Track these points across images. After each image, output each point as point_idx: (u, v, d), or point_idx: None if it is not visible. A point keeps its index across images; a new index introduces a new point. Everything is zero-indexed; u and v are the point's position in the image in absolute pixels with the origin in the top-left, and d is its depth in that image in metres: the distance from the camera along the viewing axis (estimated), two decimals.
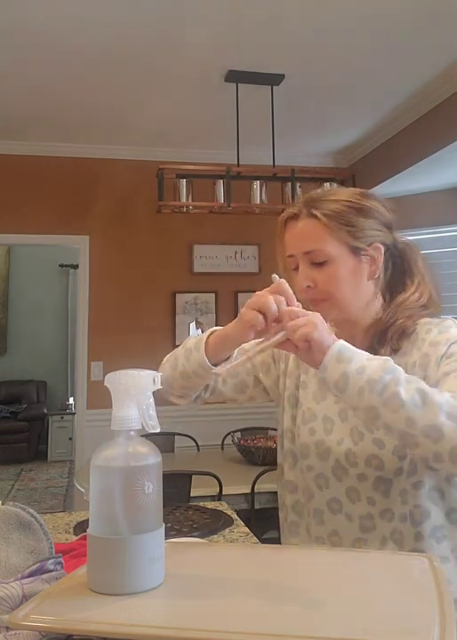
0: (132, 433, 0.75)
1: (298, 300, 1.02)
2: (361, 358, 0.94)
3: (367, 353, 0.97)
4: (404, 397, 0.89)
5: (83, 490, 2.73)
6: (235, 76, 3.28)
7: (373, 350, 1.06)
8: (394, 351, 1.08)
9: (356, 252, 1.09)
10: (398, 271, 1.16)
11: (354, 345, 1.04)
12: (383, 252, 1.11)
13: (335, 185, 3.31)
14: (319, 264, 1.08)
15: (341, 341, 0.96)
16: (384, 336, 1.09)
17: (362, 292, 1.11)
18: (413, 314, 1.10)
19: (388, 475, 1.05)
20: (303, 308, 1.01)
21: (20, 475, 6.43)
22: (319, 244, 1.08)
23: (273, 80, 3.33)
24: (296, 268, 1.12)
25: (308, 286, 1.09)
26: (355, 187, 3.36)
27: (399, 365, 0.99)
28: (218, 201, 3.22)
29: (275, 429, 3.50)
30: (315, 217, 1.08)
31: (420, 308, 1.11)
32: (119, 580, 0.71)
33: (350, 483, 1.08)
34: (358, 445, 1.08)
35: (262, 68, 3.22)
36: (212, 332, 1.12)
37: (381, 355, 1.03)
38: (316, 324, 0.94)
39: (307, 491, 1.14)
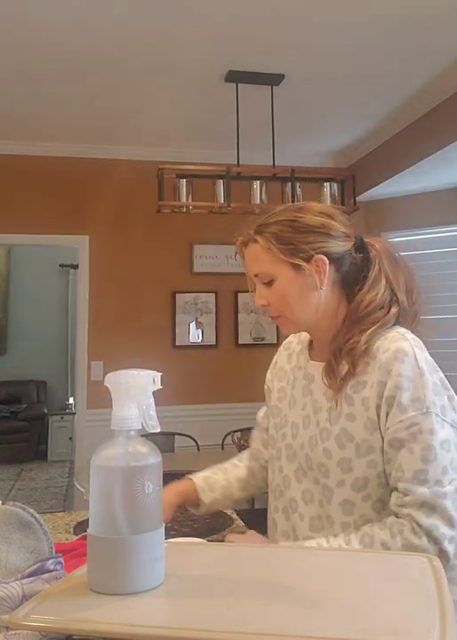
0: (132, 433, 0.75)
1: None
2: None
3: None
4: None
5: (83, 490, 2.73)
6: (235, 76, 3.28)
7: (332, 367, 1.12)
8: (350, 374, 1.09)
9: (296, 268, 1.13)
10: (358, 274, 1.16)
11: (323, 354, 1.16)
12: (327, 261, 1.12)
13: (335, 185, 3.31)
14: (268, 284, 1.15)
15: None
16: (340, 353, 1.11)
17: (312, 303, 1.14)
18: (365, 326, 1.10)
19: (331, 483, 1.10)
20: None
21: (20, 474, 6.43)
22: (262, 266, 1.15)
23: (273, 80, 3.33)
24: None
25: (263, 305, 1.17)
26: (355, 187, 3.40)
27: (359, 383, 1.08)
28: (218, 201, 3.22)
29: None
30: (256, 241, 1.16)
31: (376, 310, 1.11)
32: (119, 580, 0.71)
33: (306, 485, 1.15)
34: (314, 452, 1.13)
35: (262, 68, 3.22)
36: None
37: (341, 373, 1.10)
38: None
39: (277, 489, 1.23)
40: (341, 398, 1.10)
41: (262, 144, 3.47)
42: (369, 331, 1.09)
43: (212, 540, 1.31)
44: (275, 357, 1.38)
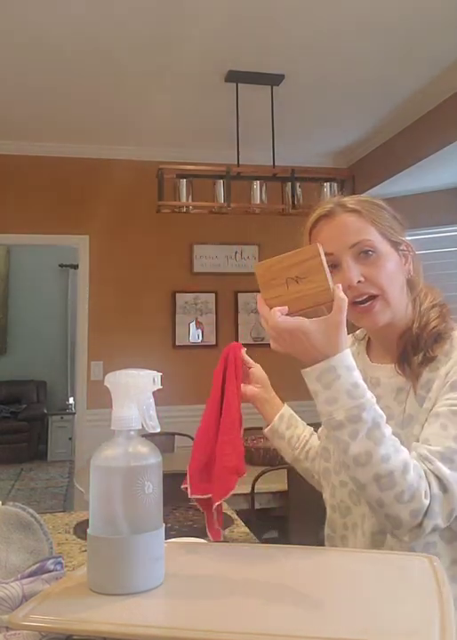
0: (132, 433, 0.75)
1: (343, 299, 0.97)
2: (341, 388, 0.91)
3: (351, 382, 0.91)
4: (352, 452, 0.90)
5: (83, 490, 2.73)
6: (235, 76, 3.28)
7: (407, 357, 1.04)
8: (428, 360, 1.03)
9: (396, 246, 1.07)
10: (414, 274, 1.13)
11: (386, 355, 1.09)
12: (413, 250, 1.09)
13: (335, 185, 3.31)
14: (367, 257, 1.03)
15: (338, 357, 0.91)
16: (418, 342, 1.04)
17: (404, 291, 1.08)
18: (444, 314, 1.07)
19: None
20: (349, 309, 0.95)
21: (20, 475, 6.43)
22: (366, 234, 1.04)
23: (273, 80, 3.33)
24: (331, 269, 1.01)
25: (359, 281, 1.02)
26: (354, 187, 3.40)
27: (429, 381, 1.01)
28: (218, 201, 3.22)
29: None
30: (355, 211, 1.06)
31: (441, 308, 1.09)
32: (119, 580, 0.70)
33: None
34: None
35: (262, 68, 3.22)
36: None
37: (416, 362, 1.02)
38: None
39: (342, 505, 1.12)
40: (416, 389, 1.03)
41: (262, 144, 3.47)
42: (446, 316, 1.06)
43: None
44: None
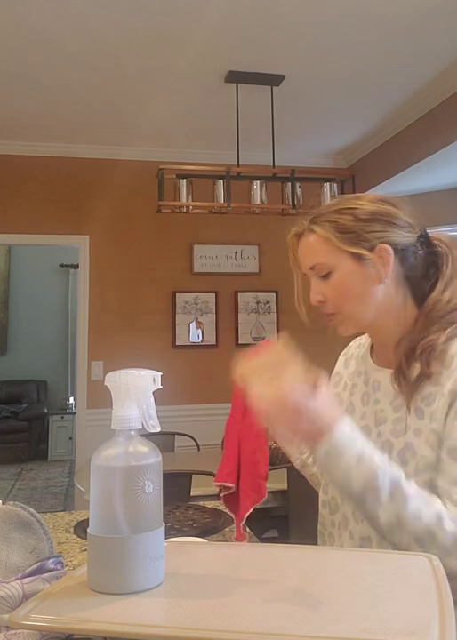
0: (132, 432, 0.75)
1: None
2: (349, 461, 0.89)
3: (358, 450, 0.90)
4: (382, 521, 0.89)
5: (83, 489, 2.73)
6: (235, 77, 3.28)
7: (403, 370, 1.00)
8: (425, 375, 0.98)
9: (358, 258, 1.03)
10: (427, 270, 1.07)
11: (388, 359, 1.06)
12: (392, 252, 1.02)
13: (335, 185, 3.31)
14: (325, 277, 1.05)
15: (336, 436, 0.89)
16: (413, 353, 1.00)
17: (374, 298, 1.04)
18: (445, 325, 0.99)
19: None
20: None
21: (20, 474, 6.43)
22: (319, 257, 1.05)
23: (273, 80, 3.33)
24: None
25: (320, 301, 1.07)
26: (354, 187, 3.40)
27: (431, 395, 0.96)
28: (218, 201, 3.22)
29: None
30: (312, 231, 1.07)
31: (454, 310, 1.01)
32: (119, 580, 0.71)
33: None
34: None
35: (262, 69, 3.22)
36: None
37: (412, 376, 0.98)
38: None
39: (332, 502, 1.12)
40: (412, 406, 0.99)
41: (262, 144, 3.47)
42: (448, 329, 0.98)
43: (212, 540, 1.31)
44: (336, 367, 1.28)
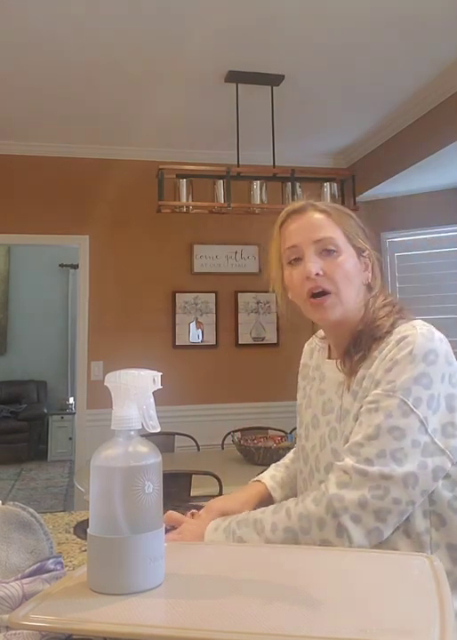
0: (132, 433, 0.75)
1: (300, 293, 1.10)
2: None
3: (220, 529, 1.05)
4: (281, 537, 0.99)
5: (83, 490, 2.73)
6: (235, 77, 3.28)
7: (348, 357, 1.08)
8: (364, 358, 1.06)
9: (358, 251, 1.12)
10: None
11: (338, 350, 1.13)
12: (373, 260, 1.14)
13: (335, 185, 3.31)
14: (328, 254, 1.09)
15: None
16: (360, 340, 1.08)
17: (359, 293, 1.12)
18: (392, 312, 1.08)
19: None
20: (304, 302, 1.11)
21: (20, 474, 6.43)
22: (330, 232, 1.09)
23: (273, 80, 3.33)
24: (294, 261, 1.12)
25: (318, 274, 1.07)
26: (355, 187, 3.40)
27: (364, 378, 1.04)
28: (218, 201, 3.22)
29: (274, 429, 3.51)
30: (324, 211, 1.12)
31: (392, 307, 1.10)
32: (119, 580, 0.71)
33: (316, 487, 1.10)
34: (322, 452, 1.11)
35: (262, 68, 3.22)
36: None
37: (352, 362, 1.07)
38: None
39: (299, 491, 1.21)
40: (351, 390, 1.06)
41: (262, 144, 3.47)
42: (393, 317, 1.07)
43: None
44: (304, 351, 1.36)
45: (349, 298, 1.09)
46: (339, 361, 1.11)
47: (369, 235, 1.16)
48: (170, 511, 1.13)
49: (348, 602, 0.68)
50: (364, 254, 1.13)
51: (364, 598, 0.69)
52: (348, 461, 0.96)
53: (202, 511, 1.17)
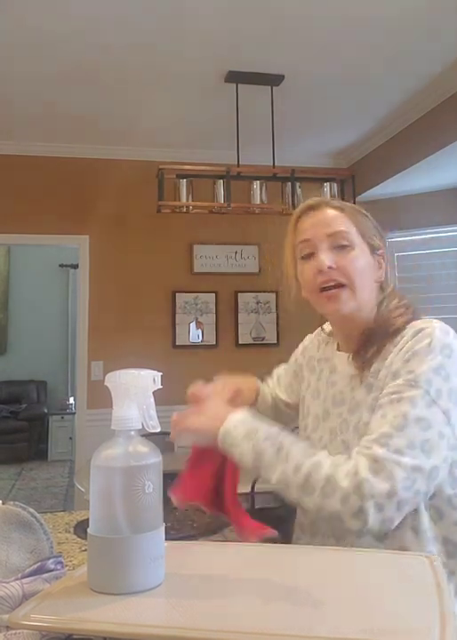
0: (132, 433, 0.75)
1: (312, 287, 1.10)
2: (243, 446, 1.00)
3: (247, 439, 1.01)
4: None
5: (83, 489, 2.73)
6: (235, 77, 3.28)
7: (362, 352, 1.08)
8: (378, 352, 1.07)
9: (372, 249, 1.13)
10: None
11: (349, 345, 1.13)
12: (387, 259, 1.16)
13: (335, 185, 3.31)
14: (342, 249, 1.09)
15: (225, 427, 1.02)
16: (374, 336, 1.08)
17: (371, 290, 1.12)
18: (406, 313, 1.09)
19: None
20: (316, 295, 1.11)
21: (20, 474, 6.43)
22: (344, 227, 1.10)
23: (273, 80, 3.33)
24: (307, 256, 1.12)
25: (330, 267, 1.08)
26: (355, 187, 3.40)
27: (379, 371, 1.04)
28: (218, 201, 3.22)
29: None
30: (339, 208, 1.13)
31: (406, 308, 1.11)
32: (119, 580, 0.71)
33: None
34: (331, 444, 1.10)
35: (262, 69, 3.22)
36: None
37: (366, 357, 1.07)
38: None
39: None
40: (364, 382, 1.06)
41: (262, 144, 3.47)
42: (407, 317, 1.08)
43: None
44: (305, 342, 1.35)
45: (363, 293, 1.09)
46: (350, 355, 1.12)
47: (382, 234, 1.17)
48: (192, 390, 1.14)
49: (349, 602, 0.68)
50: (378, 252, 1.14)
51: (365, 598, 0.69)
52: (380, 450, 0.94)
53: (218, 385, 1.22)
